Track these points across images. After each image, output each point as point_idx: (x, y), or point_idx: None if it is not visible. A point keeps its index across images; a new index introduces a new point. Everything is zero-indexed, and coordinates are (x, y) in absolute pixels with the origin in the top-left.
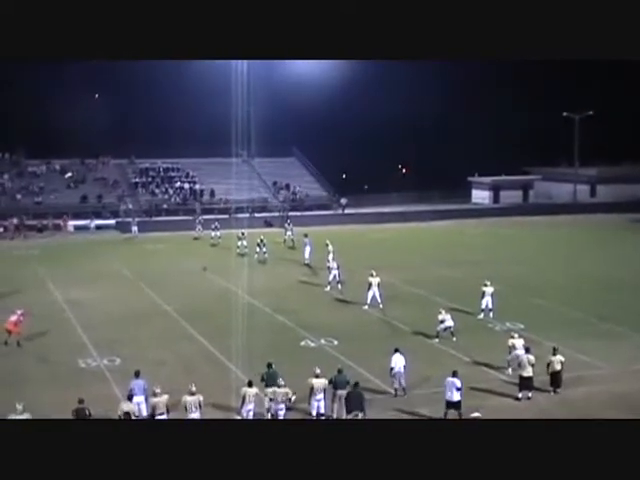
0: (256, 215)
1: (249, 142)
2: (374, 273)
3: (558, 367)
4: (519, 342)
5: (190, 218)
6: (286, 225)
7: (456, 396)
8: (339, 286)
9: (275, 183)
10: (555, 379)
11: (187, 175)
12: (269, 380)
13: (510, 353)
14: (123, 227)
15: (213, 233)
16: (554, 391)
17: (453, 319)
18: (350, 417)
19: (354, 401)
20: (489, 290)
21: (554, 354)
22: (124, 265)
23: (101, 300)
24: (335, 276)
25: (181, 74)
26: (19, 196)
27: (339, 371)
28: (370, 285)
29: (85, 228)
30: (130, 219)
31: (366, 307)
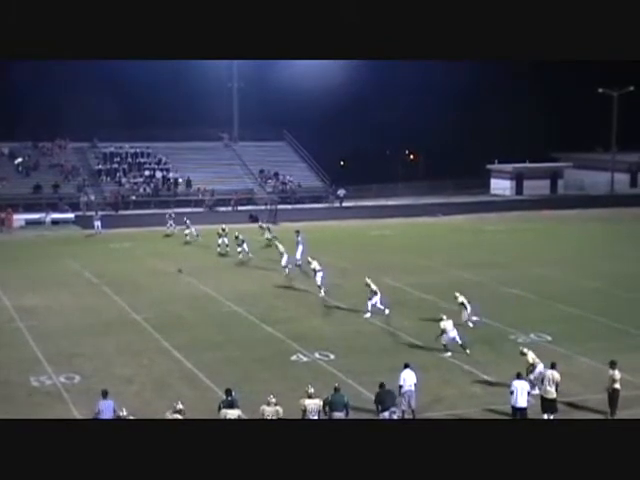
0: (239, 208)
1: (232, 123)
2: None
3: (618, 385)
4: (531, 355)
5: (164, 212)
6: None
7: (522, 401)
8: (322, 292)
9: (262, 171)
10: (613, 399)
11: (159, 162)
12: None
13: (532, 371)
14: (84, 222)
15: (187, 230)
16: (611, 414)
17: (456, 327)
18: (386, 415)
19: (389, 398)
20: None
21: (612, 368)
22: (85, 267)
23: (58, 308)
24: (322, 278)
25: None
26: None
27: (336, 390)
28: (372, 290)
29: (39, 223)
30: (92, 213)
31: (368, 315)
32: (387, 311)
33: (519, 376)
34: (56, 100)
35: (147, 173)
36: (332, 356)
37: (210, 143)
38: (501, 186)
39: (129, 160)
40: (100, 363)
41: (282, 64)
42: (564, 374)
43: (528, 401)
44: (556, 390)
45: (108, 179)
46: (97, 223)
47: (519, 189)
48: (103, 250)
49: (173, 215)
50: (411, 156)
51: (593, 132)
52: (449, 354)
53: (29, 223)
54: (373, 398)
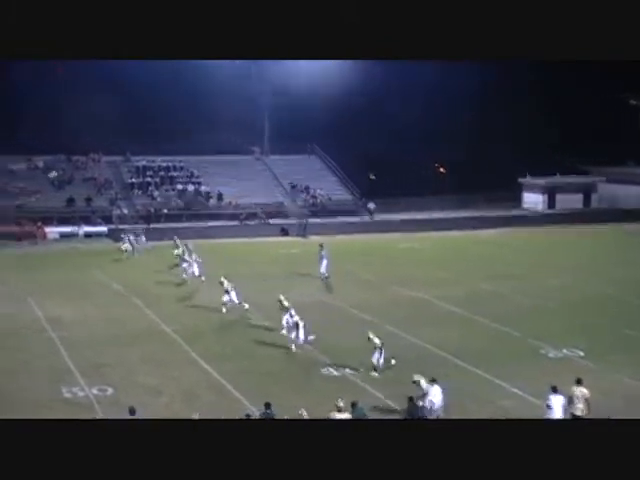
0: (270, 222)
1: (263, 137)
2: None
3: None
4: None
5: (195, 225)
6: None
7: (559, 416)
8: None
9: (293, 185)
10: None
11: (191, 175)
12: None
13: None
14: (116, 235)
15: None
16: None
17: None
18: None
19: (419, 412)
20: (377, 342)
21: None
22: (115, 278)
23: (88, 319)
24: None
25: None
26: None
27: (353, 405)
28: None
29: (72, 236)
30: (125, 226)
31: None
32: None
33: (555, 390)
34: (89, 115)
35: (179, 187)
36: (362, 369)
37: (241, 157)
38: (533, 200)
39: (161, 173)
40: (128, 373)
41: (314, 77)
42: (596, 389)
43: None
44: (586, 407)
45: (140, 192)
46: (142, 238)
47: (551, 203)
48: (134, 262)
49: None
50: (441, 169)
51: (626, 145)
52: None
53: (63, 236)
54: (402, 410)
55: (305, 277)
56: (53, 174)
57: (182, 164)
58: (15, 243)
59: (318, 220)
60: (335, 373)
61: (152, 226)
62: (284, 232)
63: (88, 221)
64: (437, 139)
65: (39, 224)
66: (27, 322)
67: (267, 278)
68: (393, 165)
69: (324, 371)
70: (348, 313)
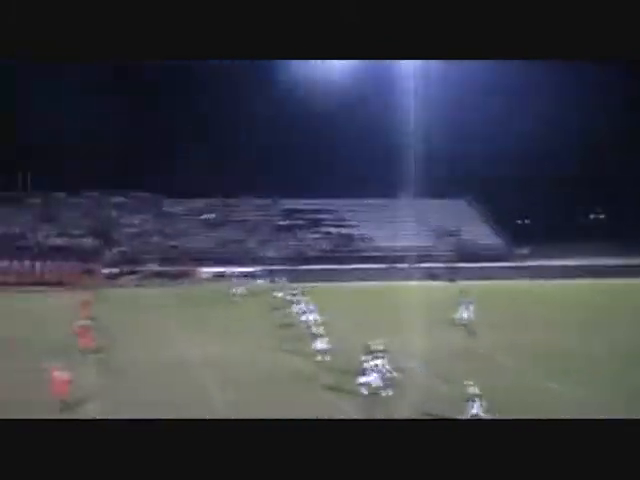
0: (418, 266)
1: (412, 180)
2: None
3: None
4: None
5: (341, 267)
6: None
7: None
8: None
9: (441, 228)
10: None
11: (338, 218)
12: None
13: None
14: (266, 276)
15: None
16: None
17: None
18: None
19: None
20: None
21: None
22: (266, 317)
23: (244, 357)
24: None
25: (328, 97)
26: (155, 238)
27: None
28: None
29: (224, 276)
30: (274, 267)
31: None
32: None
33: None
34: (243, 160)
35: (326, 229)
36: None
37: (389, 200)
38: None
39: (309, 216)
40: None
41: (465, 120)
42: None
43: None
44: None
45: (288, 235)
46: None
47: None
48: (281, 302)
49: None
50: (599, 215)
51: None
52: None
53: (216, 276)
54: None
55: (448, 323)
56: (207, 216)
57: (329, 207)
58: (171, 281)
59: (466, 264)
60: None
61: (299, 267)
62: (432, 276)
63: (239, 262)
64: (593, 180)
65: (194, 264)
66: (178, 361)
67: (407, 323)
68: (548, 209)
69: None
70: (491, 360)
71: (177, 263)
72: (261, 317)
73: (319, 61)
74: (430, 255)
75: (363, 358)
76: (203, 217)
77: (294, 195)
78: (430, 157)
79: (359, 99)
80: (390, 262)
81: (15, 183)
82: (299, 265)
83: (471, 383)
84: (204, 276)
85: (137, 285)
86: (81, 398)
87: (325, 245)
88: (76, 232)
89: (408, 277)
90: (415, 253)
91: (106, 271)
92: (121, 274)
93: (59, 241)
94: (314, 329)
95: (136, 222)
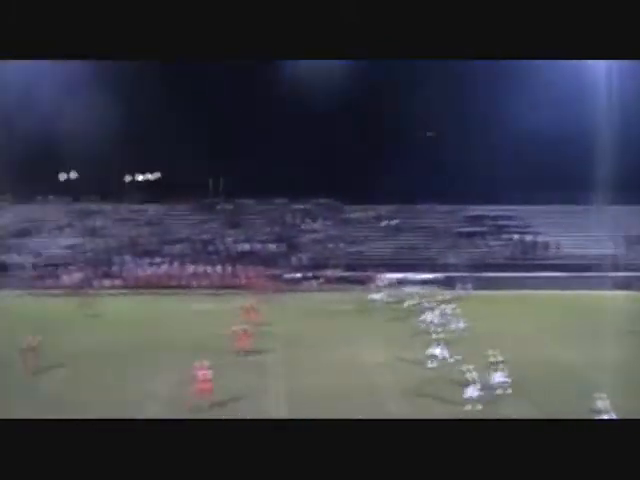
0: (607, 274)
1: (601, 186)
2: None
3: None
4: None
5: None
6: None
7: None
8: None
9: (631, 236)
10: None
11: (524, 225)
12: None
13: None
14: (448, 283)
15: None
16: None
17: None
18: None
19: None
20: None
21: None
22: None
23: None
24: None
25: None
26: (336, 245)
27: None
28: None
29: (405, 282)
30: (457, 274)
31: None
32: None
33: None
34: (429, 166)
35: (510, 236)
36: None
37: (576, 206)
38: None
39: (492, 222)
40: None
41: None
42: None
43: None
44: None
45: (467, 242)
46: (461, 285)
47: None
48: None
49: None
50: None
51: None
52: None
53: (399, 282)
54: None
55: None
56: (389, 222)
57: (512, 213)
58: (351, 287)
59: None
60: None
61: (481, 275)
62: (619, 286)
63: (421, 268)
64: None
65: (373, 271)
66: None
67: (594, 332)
68: None
69: None
70: None
71: (358, 269)
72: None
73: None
74: (619, 264)
75: (465, 368)
76: (384, 223)
77: (479, 202)
78: (622, 162)
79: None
80: (576, 270)
81: (209, 190)
82: (481, 272)
83: None
84: (384, 282)
85: (318, 290)
86: (230, 398)
87: (509, 252)
88: (261, 238)
89: (596, 286)
90: (602, 262)
91: (289, 276)
92: (303, 279)
93: (246, 246)
94: (439, 335)
95: (318, 228)
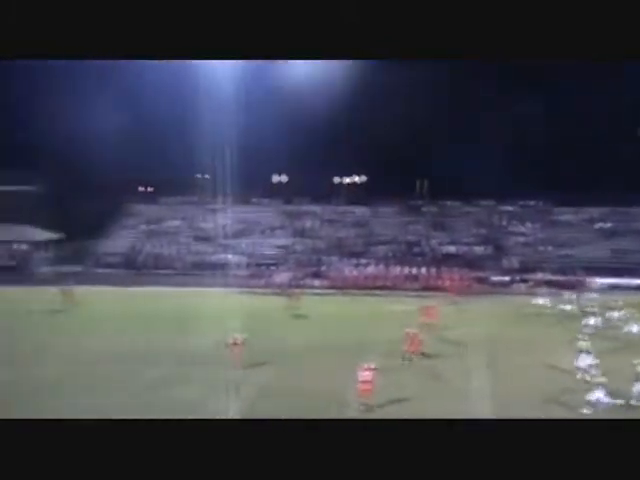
0: None
1: None
2: None
3: None
4: None
5: None
6: None
7: None
8: None
9: None
10: None
11: None
12: None
13: None
14: None
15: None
16: None
17: None
18: None
19: None
20: None
21: None
22: None
23: None
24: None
25: None
26: (544, 248)
27: None
28: None
29: (619, 287)
30: None
31: None
32: None
33: None
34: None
35: None
36: None
37: None
38: None
39: None
40: None
41: None
42: None
43: None
44: None
45: None
46: None
47: None
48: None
49: None
50: None
51: None
52: None
53: (612, 287)
54: None
55: None
56: (599, 225)
57: None
58: (562, 291)
59: None
60: None
61: None
62: None
63: (635, 273)
64: None
65: (583, 274)
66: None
67: None
68: None
69: None
70: None
71: (568, 272)
72: None
73: None
74: None
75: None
76: (597, 226)
77: None
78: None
79: None
80: None
81: (414, 192)
82: None
83: None
84: (596, 286)
85: (527, 294)
86: (388, 401)
87: None
88: (467, 240)
89: None
90: None
91: (496, 279)
92: (512, 282)
93: (451, 248)
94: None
95: (526, 231)
